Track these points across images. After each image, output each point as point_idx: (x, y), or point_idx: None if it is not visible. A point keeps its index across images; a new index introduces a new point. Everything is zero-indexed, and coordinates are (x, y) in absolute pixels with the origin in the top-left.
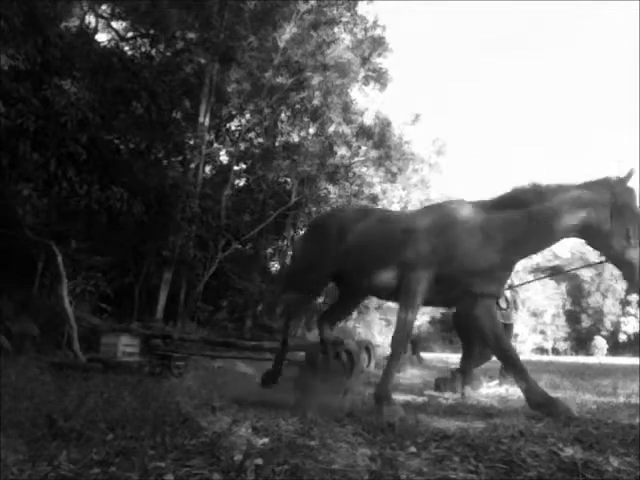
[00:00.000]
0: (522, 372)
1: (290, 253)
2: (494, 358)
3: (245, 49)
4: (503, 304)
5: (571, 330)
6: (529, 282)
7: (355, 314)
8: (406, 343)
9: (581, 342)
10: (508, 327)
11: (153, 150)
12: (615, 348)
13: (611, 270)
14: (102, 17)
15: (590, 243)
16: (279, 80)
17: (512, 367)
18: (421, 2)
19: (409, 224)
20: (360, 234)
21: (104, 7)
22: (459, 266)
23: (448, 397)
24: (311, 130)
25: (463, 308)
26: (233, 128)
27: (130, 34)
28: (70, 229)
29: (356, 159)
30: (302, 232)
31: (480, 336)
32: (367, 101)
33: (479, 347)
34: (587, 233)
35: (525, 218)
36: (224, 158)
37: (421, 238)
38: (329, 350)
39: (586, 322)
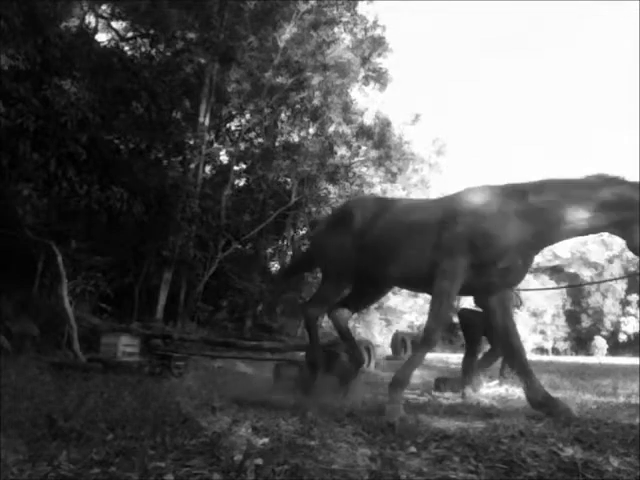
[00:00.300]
0: (527, 372)
1: (300, 248)
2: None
3: (245, 49)
4: (516, 302)
5: (571, 330)
6: (555, 288)
7: (355, 314)
8: (439, 333)
9: (581, 342)
10: None
11: (153, 150)
12: (615, 348)
13: (611, 270)
14: (102, 17)
15: (629, 244)
16: (279, 80)
17: (518, 365)
18: (421, 2)
19: (442, 211)
20: (389, 222)
21: (104, 7)
22: (494, 254)
23: (448, 397)
24: (311, 130)
25: (479, 299)
26: (233, 128)
27: (130, 34)
28: (70, 229)
29: (356, 159)
30: (322, 223)
31: (491, 330)
32: (367, 101)
33: (484, 346)
34: (626, 231)
35: (563, 206)
36: (224, 158)
37: (457, 225)
38: (350, 338)
39: (586, 322)
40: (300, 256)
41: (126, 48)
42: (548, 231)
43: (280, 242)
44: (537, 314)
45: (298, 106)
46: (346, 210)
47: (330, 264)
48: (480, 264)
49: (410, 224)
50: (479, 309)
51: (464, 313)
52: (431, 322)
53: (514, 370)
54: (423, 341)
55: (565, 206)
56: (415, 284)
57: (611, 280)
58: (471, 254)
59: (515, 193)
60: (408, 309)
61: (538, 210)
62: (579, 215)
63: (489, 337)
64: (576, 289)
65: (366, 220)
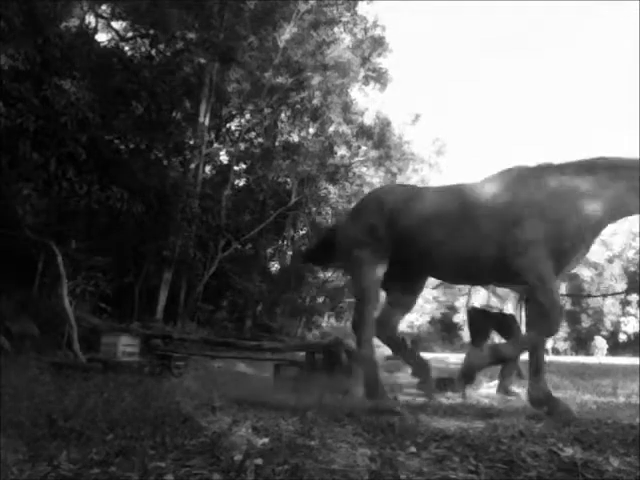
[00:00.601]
0: (539, 370)
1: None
2: None
3: (245, 49)
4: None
5: (571, 330)
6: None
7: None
8: (561, 321)
9: (581, 342)
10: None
11: (153, 150)
12: (615, 348)
13: (611, 270)
14: (102, 17)
15: None
16: (279, 80)
17: (534, 360)
18: (421, 2)
19: (502, 197)
20: (430, 210)
21: (104, 7)
22: (574, 242)
23: (448, 397)
24: (311, 130)
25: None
26: (233, 128)
27: (130, 34)
28: (70, 229)
29: (356, 159)
30: (346, 216)
31: (508, 330)
32: (367, 101)
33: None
34: None
35: (623, 186)
36: (224, 158)
37: (534, 212)
38: (403, 348)
39: (586, 322)
40: (319, 242)
41: (126, 48)
42: (610, 212)
43: (280, 242)
44: None
45: (298, 106)
46: (374, 198)
47: (362, 254)
48: (558, 253)
49: (460, 212)
50: (489, 308)
51: (473, 312)
52: (552, 310)
53: (529, 366)
54: (546, 330)
55: (625, 185)
56: (467, 274)
57: (619, 294)
58: (553, 243)
59: (571, 173)
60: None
61: (603, 190)
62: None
63: (505, 336)
64: (576, 290)
65: (398, 208)
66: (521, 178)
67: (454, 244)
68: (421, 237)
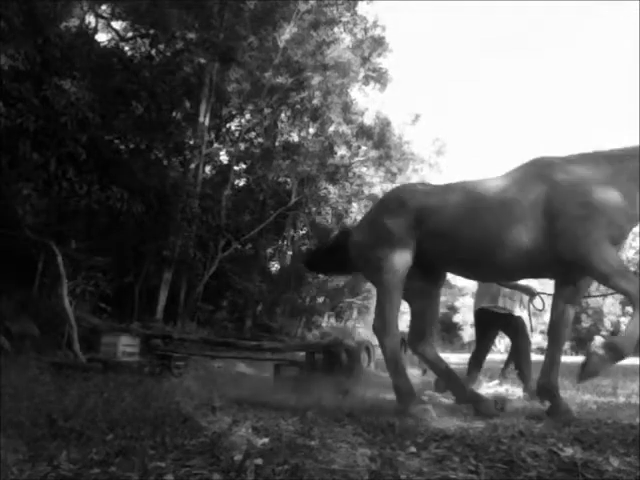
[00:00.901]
0: (555, 362)
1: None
2: (491, 357)
3: (245, 49)
4: (539, 305)
5: (571, 330)
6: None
7: (355, 314)
8: None
9: (581, 342)
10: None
11: (153, 150)
12: None
13: None
14: (102, 17)
15: None
16: (279, 80)
17: (552, 352)
18: (421, 2)
19: (543, 189)
20: (465, 207)
21: (104, 7)
22: (624, 231)
23: (448, 397)
24: (311, 130)
25: (561, 284)
26: (233, 128)
27: (130, 34)
28: (70, 229)
29: (356, 159)
30: (362, 220)
31: (514, 330)
32: (367, 101)
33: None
34: None
35: None
36: (224, 158)
37: (577, 199)
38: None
39: (586, 322)
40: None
41: (126, 48)
42: None
43: (280, 242)
44: (537, 314)
45: (298, 106)
46: (395, 198)
47: (384, 256)
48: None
49: (496, 206)
50: (496, 309)
51: (482, 313)
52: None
53: (545, 357)
54: None
55: None
56: (501, 269)
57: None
58: (609, 232)
59: (609, 161)
60: (407, 309)
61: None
62: None
63: (513, 338)
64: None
65: (426, 206)
66: (558, 168)
67: (493, 239)
68: (454, 234)
